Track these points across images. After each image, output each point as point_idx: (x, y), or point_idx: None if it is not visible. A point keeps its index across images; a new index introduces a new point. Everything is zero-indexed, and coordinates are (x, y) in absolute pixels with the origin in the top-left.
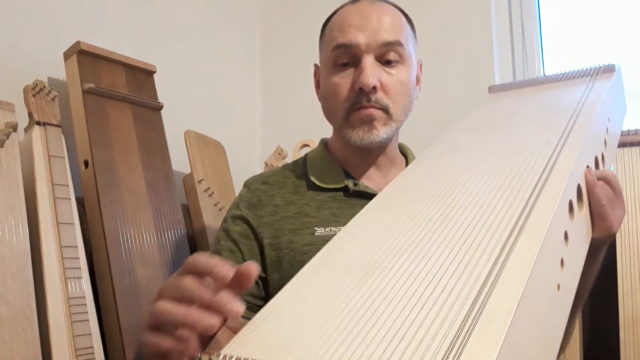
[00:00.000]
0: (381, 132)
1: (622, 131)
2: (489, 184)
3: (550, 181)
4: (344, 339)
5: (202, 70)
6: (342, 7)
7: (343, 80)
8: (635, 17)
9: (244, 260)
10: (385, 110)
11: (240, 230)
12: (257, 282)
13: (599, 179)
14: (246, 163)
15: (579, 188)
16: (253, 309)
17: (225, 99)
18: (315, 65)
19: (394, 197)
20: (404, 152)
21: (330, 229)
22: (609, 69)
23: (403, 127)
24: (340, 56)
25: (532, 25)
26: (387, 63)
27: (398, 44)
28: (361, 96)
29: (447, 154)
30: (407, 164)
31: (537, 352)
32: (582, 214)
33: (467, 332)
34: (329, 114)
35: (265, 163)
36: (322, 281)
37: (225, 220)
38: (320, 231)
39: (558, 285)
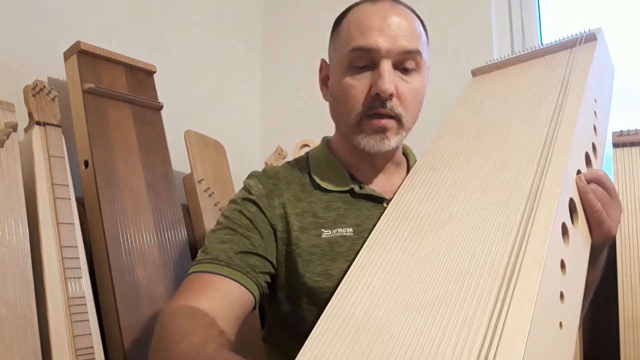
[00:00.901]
0: (392, 141)
1: (622, 131)
2: (480, 212)
3: (539, 212)
4: None
5: (202, 70)
6: (358, 4)
7: (358, 83)
8: (636, 15)
9: (263, 242)
10: (398, 119)
11: (255, 212)
12: (264, 262)
13: (590, 181)
14: (246, 163)
15: (571, 202)
16: (251, 276)
17: (225, 99)
18: (323, 60)
19: (390, 235)
20: (405, 153)
21: (337, 231)
22: (590, 38)
23: None
24: (358, 59)
25: (532, 23)
26: (403, 70)
27: (417, 52)
28: (377, 102)
29: (438, 169)
30: (408, 165)
31: None
32: (579, 227)
33: None
34: (337, 115)
35: (265, 163)
36: (331, 349)
37: (234, 202)
38: (326, 233)
39: (560, 324)
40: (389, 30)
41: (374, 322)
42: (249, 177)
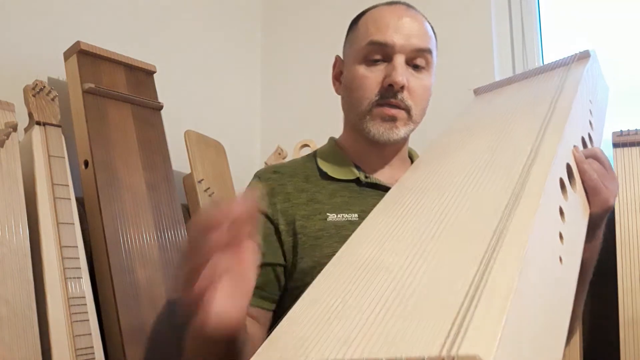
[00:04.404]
0: (401, 131)
1: (622, 131)
2: (482, 180)
3: (537, 163)
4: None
5: (202, 70)
6: (376, 6)
7: (372, 74)
8: (635, 16)
9: (259, 250)
10: (408, 110)
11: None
12: (267, 269)
13: (587, 156)
14: (246, 163)
15: (568, 167)
16: (267, 298)
17: (225, 99)
18: (337, 57)
19: (395, 201)
20: (410, 154)
21: (342, 216)
22: (584, 56)
23: None
24: (373, 52)
25: (532, 24)
26: (415, 67)
27: (428, 51)
28: (389, 92)
29: (441, 157)
30: (412, 162)
31: (546, 325)
32: (577, 192)
33: (469, 314)
34: (350, 104)
35: (265, 163)
36: (335, 285)
37: None
38: (332, 217)
39: (560, 258)
40: (403, 29)
41: (374, 263)
42: (255, 175)
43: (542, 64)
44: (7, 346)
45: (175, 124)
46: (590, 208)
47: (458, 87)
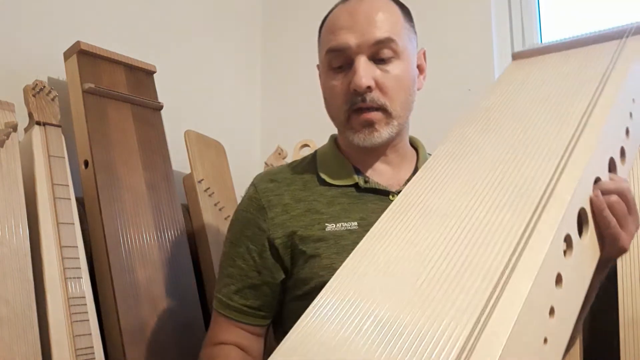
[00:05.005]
0: (383, 132)
1: None
2: (489, 211)
3: (546, 212)
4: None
5: (202, 70)
6: (335, 6)
7: (339, 82)
8: (636, 16)
9: (257, 269)
10: (384, 109)
11: (252, 235)
12: (265, 289)
13: (610, 192)
14: (246, 163)
15: (582, 212)
16: (266, 316)
17: (225, 99)
18: (318, 66)
19: (392, 226)
20: (415, 145)
21: (342, 225)
22: None
23: None
24: (334, 59)
25: (532, 24)
26: (381, 61)
27: (389, 40)
28: (356, 97)
29: (457, 158)
30: (418, 157)
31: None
32: (587, 238)
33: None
34: (330, 115)
35: (265, 163)
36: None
37: (237, 220)
38: (330, 227)
39: (545, 339)
40: (357, 25)
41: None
42: (252, 183)
43: None
44: (7, 346)
45: (175, 124)
46: (601, 252)
47: (458, 87)
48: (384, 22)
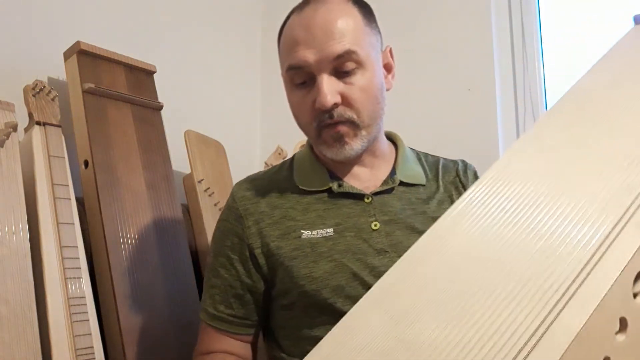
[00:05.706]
0: (354, 145)
1: None
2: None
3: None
4: None
5: (202, 70)
6: (290, 15)
7: (303, 100)
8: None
9: (239, 279)
10: (351, 122)
11: (232, 245)
12: (248, 298)
13: None
14: (246, 163)
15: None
16: (252, 325)
17: (225, 99)
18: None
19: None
20: (393, 139)
21: (317, 232)
22: None
23: (402, 127)
24: (295, 76)
25: (532, 24)
26: (345, 74)
27: (350, 52)
28: (323, 115)
29: (546, 151)
30: (397, 151)
31: None
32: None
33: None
34: (301, 129)
35: (265, 163)
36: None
37: (218, 230)
38: (306, 234)
39: None
40: (315, 41)
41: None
42: (232, 191)
43: (542, 65)
44: (7, 346)
45: (175, 124)
46: None
47: (458, 87)
48: (343, 33)
